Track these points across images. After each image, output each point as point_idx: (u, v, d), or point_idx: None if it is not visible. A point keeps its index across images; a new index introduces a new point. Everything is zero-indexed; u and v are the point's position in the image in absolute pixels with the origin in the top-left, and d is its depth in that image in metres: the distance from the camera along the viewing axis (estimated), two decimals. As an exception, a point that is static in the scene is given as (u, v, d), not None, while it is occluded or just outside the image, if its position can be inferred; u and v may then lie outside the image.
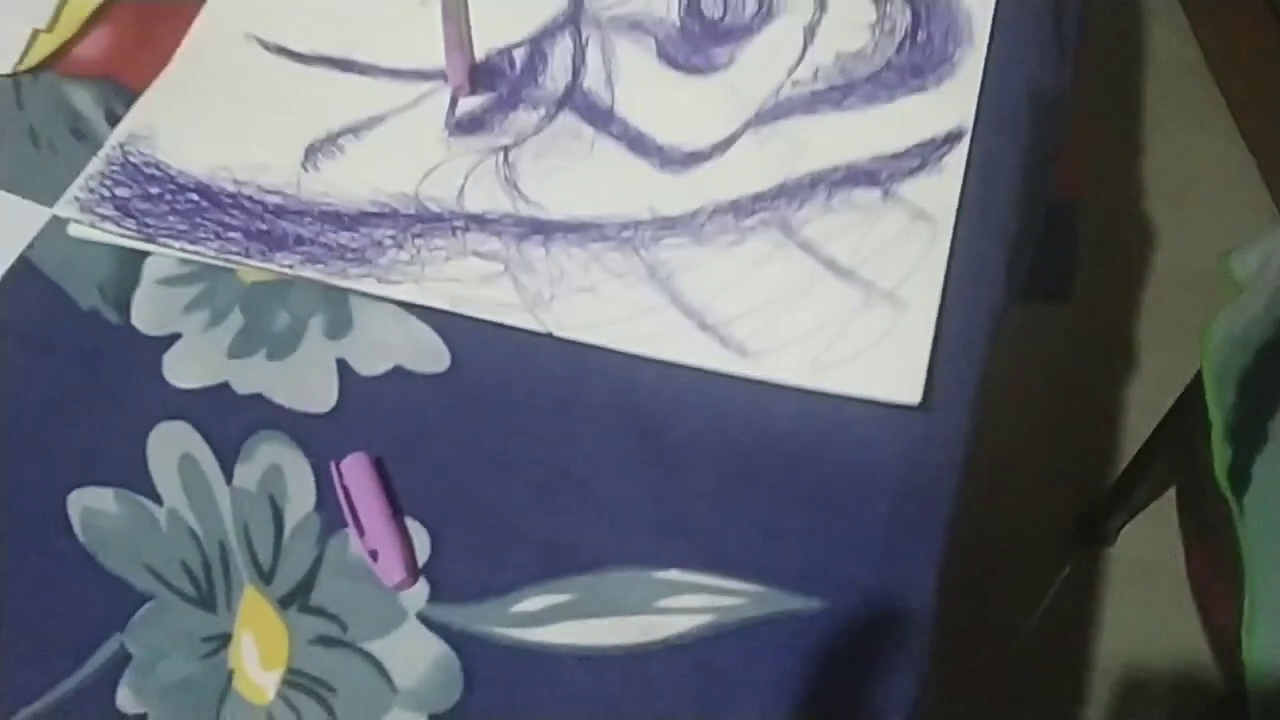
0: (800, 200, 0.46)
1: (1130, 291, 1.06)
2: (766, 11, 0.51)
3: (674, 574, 0.39)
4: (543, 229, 0.46)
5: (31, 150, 0.50)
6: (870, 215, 0.45)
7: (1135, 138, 1.13)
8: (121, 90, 0.51)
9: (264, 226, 0.46)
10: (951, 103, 0.48)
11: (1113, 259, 1.04)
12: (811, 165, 0.46)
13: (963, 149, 0.47)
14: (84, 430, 0.43)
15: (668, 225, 0.45)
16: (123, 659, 0.38)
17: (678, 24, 0.51)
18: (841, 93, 0.48)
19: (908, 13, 0.50)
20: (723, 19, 0.51)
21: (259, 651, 0.38)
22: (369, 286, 0.44)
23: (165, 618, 0.39)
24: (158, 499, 0.41)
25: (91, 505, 0.41)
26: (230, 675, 0.38)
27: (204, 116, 0.49)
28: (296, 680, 0.38)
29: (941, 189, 0.46)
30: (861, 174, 0.46)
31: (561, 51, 0.51)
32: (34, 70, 0.52)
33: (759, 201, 0.46)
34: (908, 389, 0.41)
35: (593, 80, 0.50)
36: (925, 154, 0.46)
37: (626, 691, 0.37)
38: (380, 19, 0.52)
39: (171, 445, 0.42)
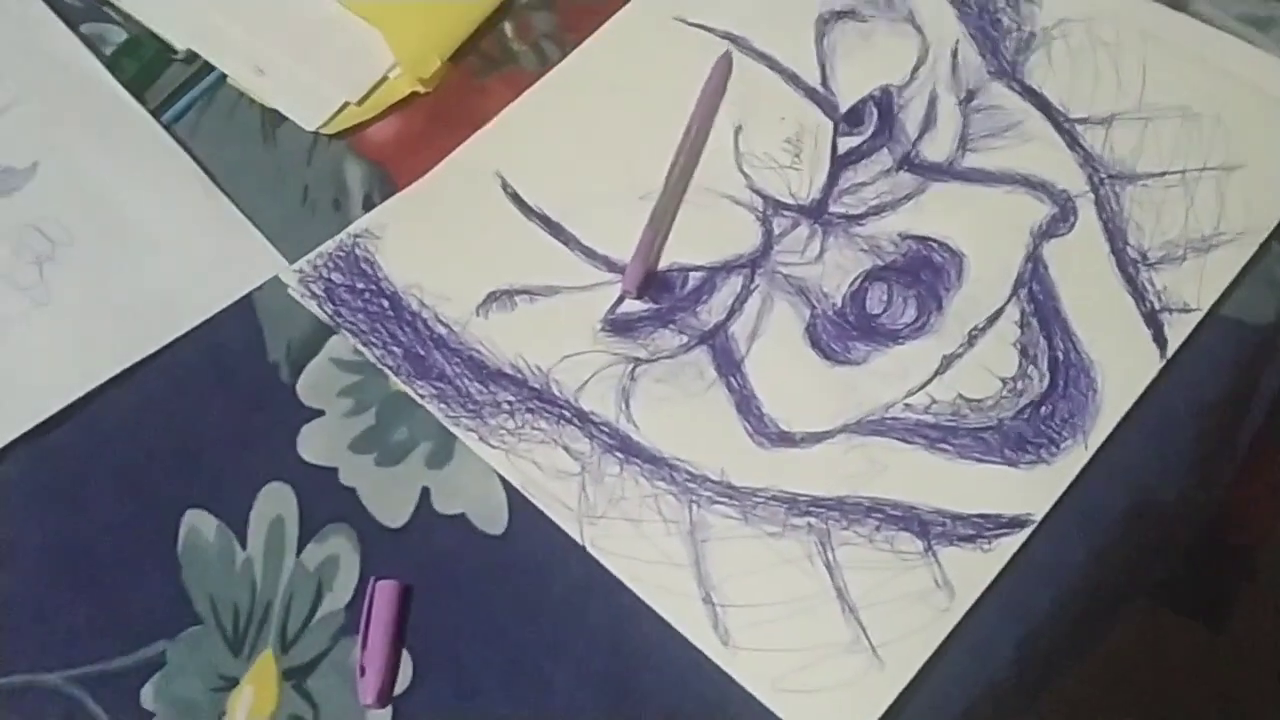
0: (850, 521, 0.48)
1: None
2: (920, 326, 0.53)
3: (574, 803, 0.44)
4: (626, 449, 0.50)
5: (298, 205, 0.59)
6: (902, 564, 0.47)
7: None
8: (385, 180, 0.59)
9: (421, 352, 0.53)
10: (1033, 490, 0.48)
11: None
12: (876, 492, 0.49)
13: (1020, 538, 0.47)
14: (221, 460, 0.51)
15: (727, 493, 0.49)
16: (159, 663, 0.47)
17: (837, 304, 0.53)
18: (941, 434, 0.50)
19: (1045, 382, 0.51)
20: (878, 317, 0.53)
21: (251, 705, 0.46)
22: (470, 441, 0.51)
23: (202, 644, 0.47)
24: (244, 544, 0.49)
25: (197, 525, 0.50)
26: (222, 715, 0.46)
27: (425, 234, 0.57)
28: (262, 744, 0.45)
29: (978, 569, 0.47)
30: (915, 520, 0.48)
31: (728, 290, 0.54)
32: (330, 135, 0.61)
33: (814, 506, 0.48)
34: (840, 744, 0.44)
35: (739, 328, 0.53)
36: (982, 528, 0.48)
37: None
38: (600, 199, 0.57)
39: (273, 503, 0.50)
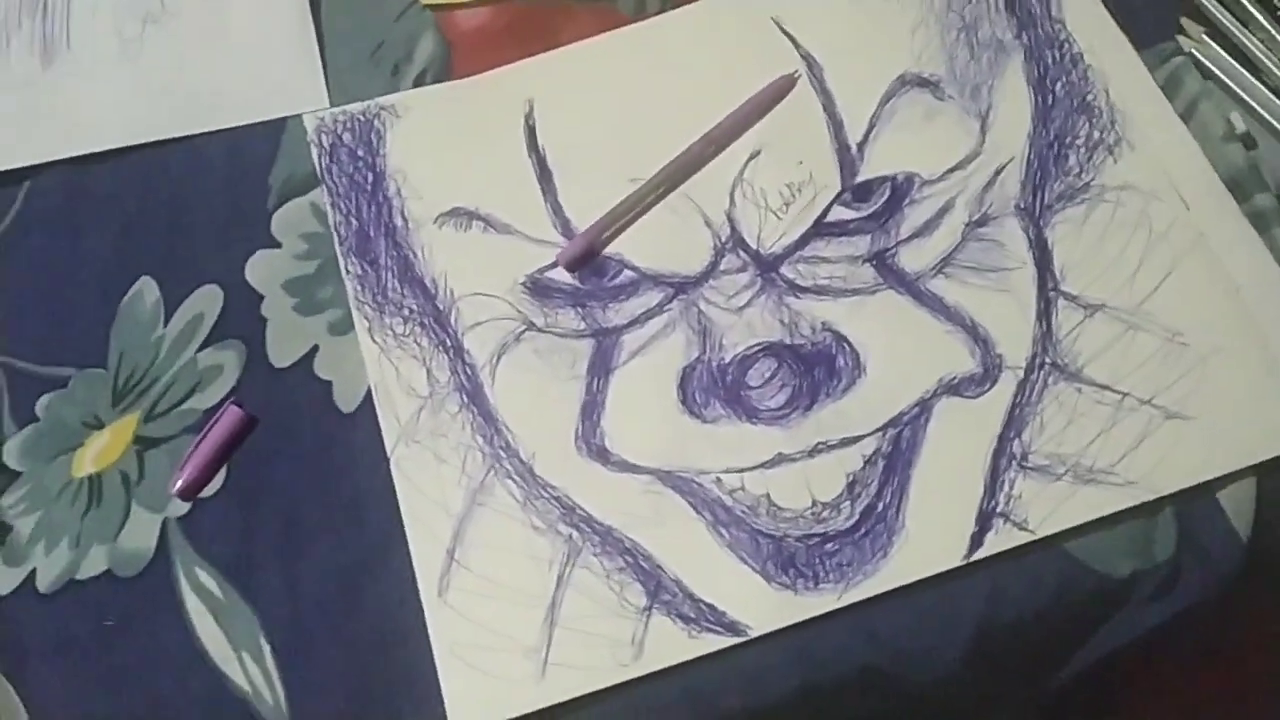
0: (603, 551, 0.51)
1: None
2: (779, 416, 0.53)
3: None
4: (473, 397, 0.55)
5: (367, 57, 0.64)
6: (619, 609, 0.50)
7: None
8: (445, 66, 0.63)
9: (370, 234, 0.59)
10: (766, 609, 0.50)
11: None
12: (641, 538, 0.51)
13: (726, 642, 0.49)
14: (189, 247, 0.60)
15: (524, 474, 0.53)
16: (62, 383, 0.57)
17: (724, 360, 0.54)
18: (728, 520, 0.51)
19: (849, 524, 0.51)
20: (750, 390, 0.54)
21: (102, 448, 0.56)
22: (360, 326, 0.57)
23: (97, 385, 0.57)
24: (167, 322, 0.58)
25: (144, 291, 0.59)
26: (81, 444, 0.56)
27: (438, 130, 0.61)
28: (94, 482, 0.55)
29: (673, 648, 0.49)
30: (655, 580, 0.51)
31: (645, 300, 0.56)
32: (426, 4, 0.65)
33: (584, 523, 0.52)
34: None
35: (630, 339, 0.56)
36: (702, 616, 0.50)
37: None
38: (597, 165, 0.59)
39: (205, 301, 0.58)
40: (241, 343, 0.58)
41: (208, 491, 0.55)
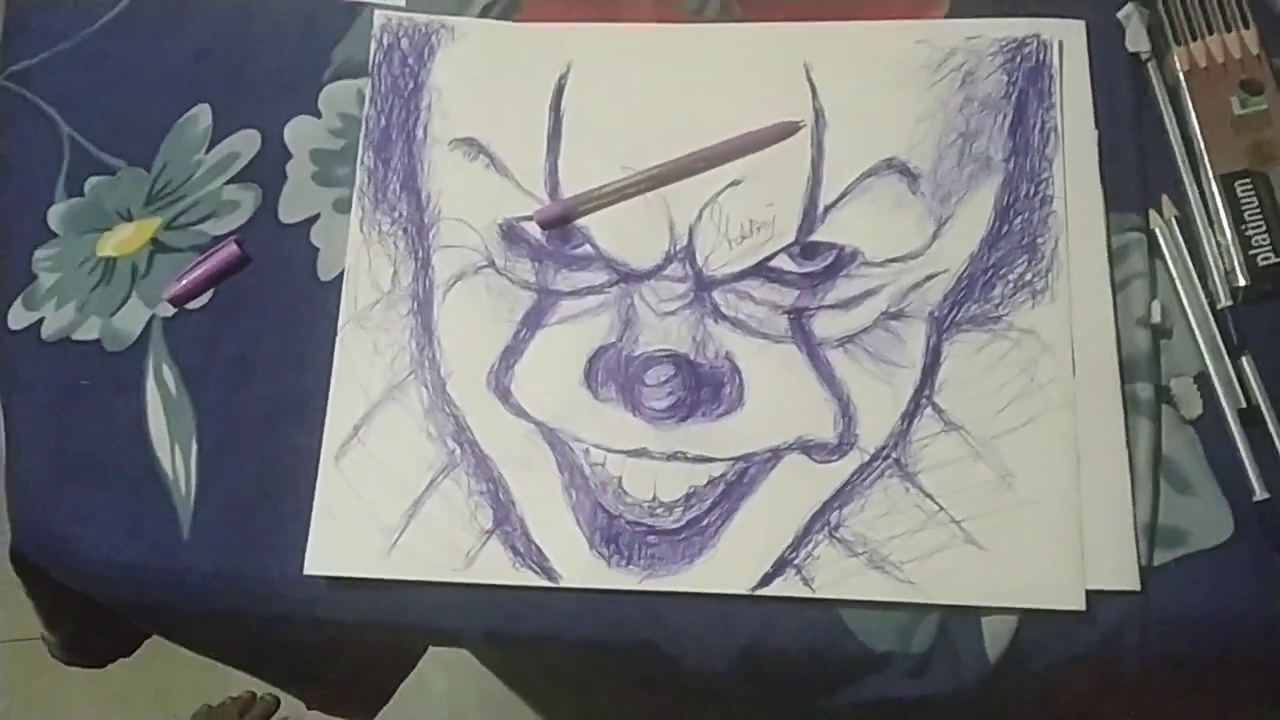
0: (474, 470, 0.60)
1: None
2: (657, 418, 0.60)
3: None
4: (421, 309, 0.63)
5: (452, -31, 0.70)
6: (468, 519, 0.59)
7: None
8: (515, 3, 0.68)
9: (393, 135, 0.66)
10: (579, 567, 0.58)
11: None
12: (510, 475, 0.60)
13: (540, 581, 0.58)
14: (245, 90, 0.67)
15: (437, 386, 0.61)
16: (111, 171, 0.66)
17: (633, 353, 0.61)
18: (582, 485, 0.59)
19: (674, 526, 0.59)
20: (644, 386, 0.61)
21: (124, 238, 0.65)
22: (355, 214, 0.64)
23: (137, 183, 0.66)
24: (210, 149, 0.66)
25: (198, 115, 0.67)
26: (109, 229, 0.66)
27: (484, 61, 0.67)
28: (110, 264, 0.65)
29: (499, 570, 0.59)
30: (506, 510, 0.59)
31: (591, 276, 0.63)
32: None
33: (469, 443, 0.61)
34: None
35: (566, 305, 0.62)
36: (530, 554, 0.59)
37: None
38: (600, 145, 0.65)
39: (243, 143, 0.66)
40: (261, 189, 0.66)
41: (193, 305, 0.64)
